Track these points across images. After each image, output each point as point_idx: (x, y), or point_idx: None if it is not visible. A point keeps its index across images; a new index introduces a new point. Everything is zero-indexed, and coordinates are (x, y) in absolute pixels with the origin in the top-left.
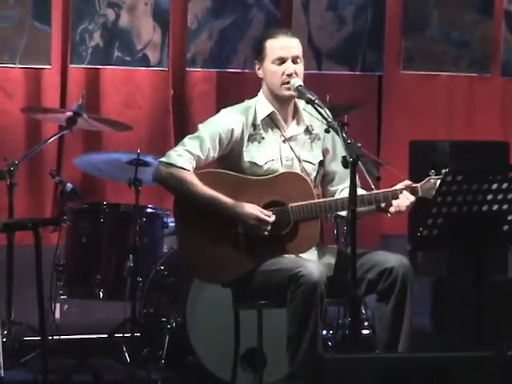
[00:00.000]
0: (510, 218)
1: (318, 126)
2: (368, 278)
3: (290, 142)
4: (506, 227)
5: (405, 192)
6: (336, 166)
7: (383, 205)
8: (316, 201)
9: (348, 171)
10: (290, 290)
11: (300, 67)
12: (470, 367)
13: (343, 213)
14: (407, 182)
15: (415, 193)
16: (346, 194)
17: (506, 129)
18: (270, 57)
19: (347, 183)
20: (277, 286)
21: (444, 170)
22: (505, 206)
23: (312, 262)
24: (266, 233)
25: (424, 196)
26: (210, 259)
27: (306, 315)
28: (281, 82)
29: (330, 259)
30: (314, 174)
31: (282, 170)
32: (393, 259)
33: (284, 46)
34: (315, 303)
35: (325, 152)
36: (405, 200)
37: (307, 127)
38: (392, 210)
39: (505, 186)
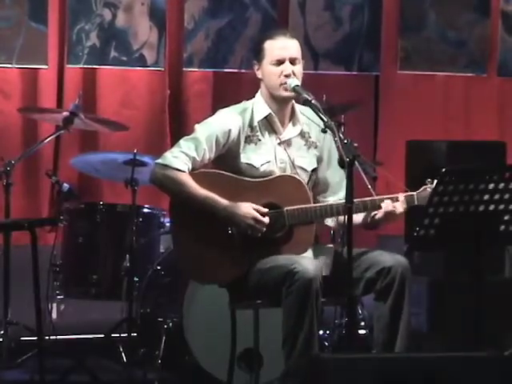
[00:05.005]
0: (506, 218)
1: (316, 134)
2: (366, 277)
3: (286, 145)
4: (502, 227)
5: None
6: (329, 177)
7: (374, 215)
8: (311, 205)
9: (340, 184)
10: (286, 286)
11: (298, 68)
12: (468, 367)
13: (330, 222)
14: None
15: (411, 201)
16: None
17: (503, 129)
18: (269, 58)
19: (337, 197)
20: (273, 283)
21: (437, 177)
22: (501, 206)
23: (307, 259)
24: (259, 234)
25: (420, 204)
26: (205, 260)
27: (301, 311)
28: (279, 82)
29: (327, 259)
30: (306, 180)
31: (278, 173)
32: (391, 258)
33: (282, 47)
34: (311, 299)
35: (319, 160)
36: (393, 206)
37: (304, 132)
38: (380, 214)
39: (501, 186)
